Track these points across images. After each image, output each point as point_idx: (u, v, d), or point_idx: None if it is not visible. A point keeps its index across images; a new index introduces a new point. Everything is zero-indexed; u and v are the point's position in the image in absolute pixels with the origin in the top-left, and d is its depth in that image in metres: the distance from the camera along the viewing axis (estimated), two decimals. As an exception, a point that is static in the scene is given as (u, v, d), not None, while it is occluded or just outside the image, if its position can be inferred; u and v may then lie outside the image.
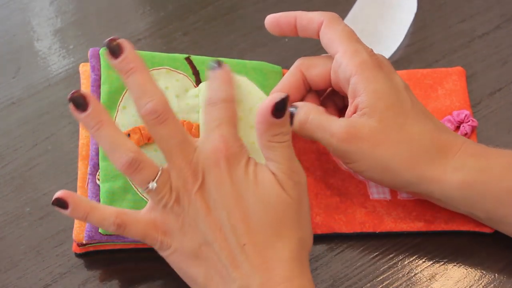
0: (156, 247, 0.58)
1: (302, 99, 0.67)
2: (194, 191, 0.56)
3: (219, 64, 0.58)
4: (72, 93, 0.56)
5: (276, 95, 0.54)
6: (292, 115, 0.63)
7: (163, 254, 0.58)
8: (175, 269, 0.58)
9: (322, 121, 0.62)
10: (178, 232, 0.57)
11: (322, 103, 0.67)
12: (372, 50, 0.63)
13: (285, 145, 0.56)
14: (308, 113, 0.63)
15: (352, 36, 0.64)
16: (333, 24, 0.64)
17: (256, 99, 0.64)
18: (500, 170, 0.60)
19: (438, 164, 0.60)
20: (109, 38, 0.57)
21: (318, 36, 0.65)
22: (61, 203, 0.57)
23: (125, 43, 0.57)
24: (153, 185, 0.56)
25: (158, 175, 0.56)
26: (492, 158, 0.61)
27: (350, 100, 0.63)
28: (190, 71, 0.67)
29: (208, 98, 0.57)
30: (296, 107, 0.63)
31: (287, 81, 0.66)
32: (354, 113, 0.62)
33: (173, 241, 0.57)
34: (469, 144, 0.62)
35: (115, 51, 0.56)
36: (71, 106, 0.56)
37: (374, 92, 0.61)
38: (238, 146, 0.56)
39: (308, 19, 0.65)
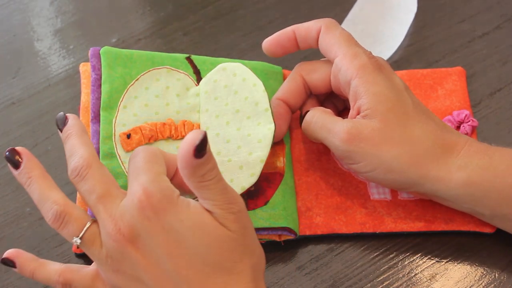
0: None
1: (303, 104, 0.67)
2: (123, 244, 0.53)
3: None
4: (7, 151, 0.57)
5: (194, 136, 0.51)
6: (301, 121, 0.65)
7: None
8: None
9: (326, 121, 0.63)
10: (123, 286, 0.55)
11: (323, 107, 0.68)
12: (371, 53, 0.64)
13: (215, 180, 0.53)
14: (313, 114, 0.64)
15: (351, 40, 0.64)
16: (330, 29, 0.64)
17: (251, 87, 0.64)
18: (504, 167, 0.60)
19: (442, 163, 0.61)
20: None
21: (317, 44, 0.65)
22: (8, 263, 0.58)
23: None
24: (76, 240, 0.55)
25: (85, 229, 0.55)
26: (496, 155, 0.61)
27: (351, 103, 0.63)
28: (191, 70, 0.67)
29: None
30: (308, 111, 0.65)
31: (287, 87, 0.66)
32: (357, 115, 0.62)
33: None
34: (472, 142, 0.62)
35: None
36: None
37: (375, 94, 0.61)
38: (161, 193, 0.53)
39: (306, 29, 0.65)
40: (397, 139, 0.61)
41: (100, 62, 0.66)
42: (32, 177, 0.56)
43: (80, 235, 0.55)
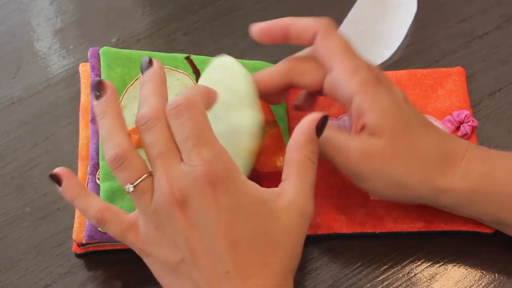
0: (137, 253, 0.56)
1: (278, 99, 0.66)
2: (173, 207, 0.53)
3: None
4: (94, 79, 0.57)
5: (320, 114, 0.56)
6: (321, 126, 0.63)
7: (145, 261, 0.56)
8: (157, 279, 0.56)
9: (332, 138, 0.61)
10: (157, 244, 0.55)
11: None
12: (369, 64, 0.62)
13: (315, 167, 0.56)
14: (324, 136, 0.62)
15: (349, 49, 0.62)
16: (328, 35, 0.62)
17: (240, 79, 0.63)
18: (505, 175, 0.60)
19: (448, 173, 0.60)
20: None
21: (311, 45, 0.63)
22: (56, 179, 0.58)
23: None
24: (129, 187, 0.55)
25: (140, 179, 0.54)
26: (497, 163, 0.61)
27: (353, 119, 0.62)
28: (191, 70, 0.67)
29: (169, 106, 0.55)
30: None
31: (271, 80, 0.64)
32: (362, 130, 0.61)
33: (152, 251, 0.55)
34: (472, 149, 0.62)
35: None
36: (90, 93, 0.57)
37: (380, 111, 0.60)
38: (225, 172, 0.53)
39: (302, 28, 0.63)
40: (406, 155, 0.60)
41: (100, 62, 0.66)
42: (107, 112, 0.56)
43: (135, 183, 0.54)
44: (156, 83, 0.57)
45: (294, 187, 0.56)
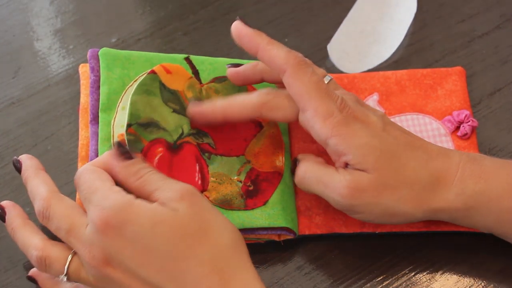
0: None
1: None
2: (102, 268, 0.55)
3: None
4: None
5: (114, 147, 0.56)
6: (293, 172, 0.63)
7: None
8: None
9: (321, 176, 0.61)
10: None
11: None
12: (342, 100, 0.60)
13: (152, 172, 0.56)
14: (306, 167, 0.62)
15: (321, 89, 0.60)
16: (298, 74, 0.60)
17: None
18: (499, 191, 0.60)
19: (441, 194, 0.60)
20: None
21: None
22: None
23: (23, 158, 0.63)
24: (63, 278, 0.57)
25: (67, 266, 0.57)
26: (490, 178, 0.60)
27: (334, 158, 0.61)
28: (190, 70, 0.67)
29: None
30: (296, 163, 0.63)
31: (239, 111, 0.63)
32: (346, 166, 0.61)
33: None
34: (464, 165, 0.61)
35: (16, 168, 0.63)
36: None
37: (358, 148, 0.59)
38: (115, 209, 0.54)
39: (270, 58, 0.61)
40: (395, 184, 0.59)
41: (99, 63, 0.66)
42: (14, 228, 0.60)
43: (65, 272, 0.57)
44: (32, 175, 0.61)
45: (156, 196, 0.56)
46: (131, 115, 0.63)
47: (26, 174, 0.61)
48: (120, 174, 0.56)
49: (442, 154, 0.62)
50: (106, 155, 0.57)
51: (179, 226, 0.54)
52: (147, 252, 0.54)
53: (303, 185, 0.63)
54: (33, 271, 0.61)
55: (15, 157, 0.63)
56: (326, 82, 0.63)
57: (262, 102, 0.62)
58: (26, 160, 0.62)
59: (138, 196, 0.55)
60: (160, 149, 0.63)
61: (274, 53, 0.61)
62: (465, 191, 0.60)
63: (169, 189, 0.55)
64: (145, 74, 0.65)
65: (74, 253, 0.57)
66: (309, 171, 0.62)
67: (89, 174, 0.57)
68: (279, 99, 0.62)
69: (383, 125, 0.61)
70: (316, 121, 0.60)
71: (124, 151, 0.56)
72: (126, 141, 0.62)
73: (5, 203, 0.62)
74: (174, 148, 0.63)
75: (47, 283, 0.61)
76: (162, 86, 0.65)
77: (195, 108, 0.64)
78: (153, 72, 0.65)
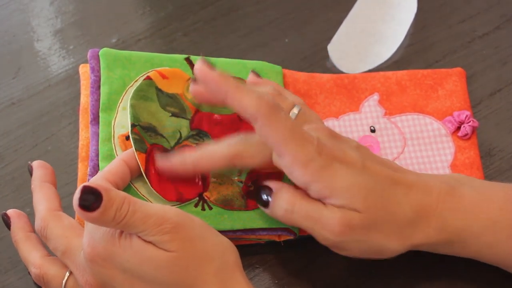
0: None
1: None
2: None
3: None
4: (1, 214, 0.63)
5: (75, 197, 0.53)
6: (267, 203, 0.60)
7: None
8: None
9: (309, 211, 0.58)
10: None
11: None
12: (319, 141, 0.58)
13: (130, 215, 0.53)
14: (292, 201, 0.59)
15: (296, 133, 0.57)
16: (271, 122, 0.56)
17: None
18: (479, 228, 0.60)
19: (422, 229, 0.60)
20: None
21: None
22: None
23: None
24: None
25: (64, 282, 0.59)
26: (469, 216, 0.60)
27: (318, 198, 0.59)
28: (190, 71, 0.67)
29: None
30: (270, 193, 0.60)
31: (210, 164, 0.61)
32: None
33: None
34: (444, 198, 0.60)
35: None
36: None
37: (344, 190, 0.58)
38: (103, 241, 0.55)
39: (239, 105, 0.56)
40: (382, 221, 0.59)
41: (99, 63, 0.66)
42: (17, 241, 0.62)
43: None
44: (37, 187, 0.62)
45: (144, 236, 0.55)
46: (133, 116, 0.63)
47: (32, 185, 0.63)
48: (94, 223, 0.54)
49: (421, 185, 0.60)
50: (75, 207, 0.54)
51: (173, 264, 0.54)
52: (139, 280, 0.55)
53: (289, 219, 0.59)
54: (11, 212, 0.63)
55: (3, 212, 0.63)
56: (296, 113, 0.62)
57: (234, 154, 0.60)
58: (35, 170, 0.63)
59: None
60: (154, 153, 0.62)
61: (244, 102, 0.56)
62: (445, 227, 0.60)
63: (155, 232, 0.54)
64: (141, 80, 0.65)
65: (71, 272, 0.59)
66: (298, 205, 0.59)
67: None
68: (250, 149, 0.60)
69: (362, 160, 0.59)
70: (296, 168, 0.57)
71: (86, 203, 0.53)
72: (132, 140, 0.61)
73: (10, 212, 0.63)
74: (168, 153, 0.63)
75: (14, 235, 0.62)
76: (159, 91, 0.65)
77: (164, 163, 0.61)
78: (148, 78, 0.65)
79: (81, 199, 0.53)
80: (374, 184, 0.58)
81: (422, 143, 0.69)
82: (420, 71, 0.72)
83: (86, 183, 0.53)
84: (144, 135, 0.62)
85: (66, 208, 0.66)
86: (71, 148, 0.69)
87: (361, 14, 0.78)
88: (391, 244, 0.59)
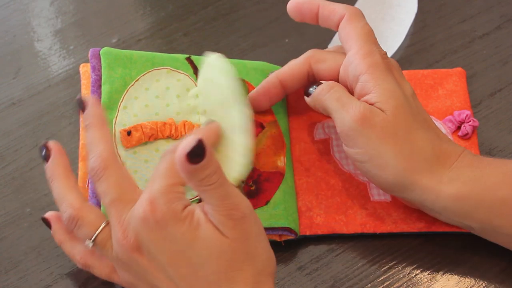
0: None
1: (297, 89, 0.67)
2: (129, 251, 0.56)
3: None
4: (42, 144, 0.61)
5: (189, 142, 0.52)
6: (309, 93, 0.64)
7: None
8: None
9: (344, 95, 0.62)
10: (135, 284, 0.58)
11: None
12: (386, 53, 0.63)
13: (215, 186, 0.53)
14: (332, 85, 0.63)
15: (370, 36, 0.63)
16: (353, 20, 0.64)
17: (229, 76, 0.62)
18: (494, 179, 0.60)
19: (435, 173, 0.60)
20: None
21: (337, 28, 0.65)
22: (46, 223, 0.62)
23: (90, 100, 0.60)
24: (88, 243, 0.58)
25: (97, 232, 0.57)
26: (487, 169, 0.61)
27: (358, 95, 0.62)
28: (191, 70, 0.67)
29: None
30: (317, 84, 0.64)
31: (291, 70, 0.66)
32: None
33: None
34: (466, 155, 0.61)
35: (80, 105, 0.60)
36: None
37: (385, 90, 0.61)
38: (166, 206, 0.54)
39: (330, 10, 0.64)
40: (401, 138, 0.60)
41: (100, 63, 0.66)
42: (55, 175, 0.60)
43: (93, 238, 0.57)
44: (97, 125, 0.59)
45: (210, 210, 0.55)
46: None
47: (86, 121, 0.60)
48: (182, 172, 0.53)
49: (450, 141, 0.62)
50: (178, 151, 0.52)
51: (225, 251, 0.54)
52: (181, 254, 0.54)
53: (322, 99, 0.63)
54: (50, 215, 0.62)
55: (78, 97, 0.60)
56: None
57: (309, 55, 0.65)
58: (91, 106, 0.60)
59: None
60: None
61: (334, 5, 0.64)
62: (460, 178, 0.60)
63: (225, 213, 0.54)
64: (142, 79, 0.65)
65: (107, 224, 0.58)
66: (337, 87, 0.63)
67: (171, 159, 0.56)
68: (324, 53, 0.65)
69: (412, 95, 0.63)
70: (356, 57, 0.62)
71: (194, 154, 0.52)
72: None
73: (52, 145, 0.61)
74: None
75: (60, 235, 0.61)
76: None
77: (257, 88, 0.67)
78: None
79: (194, 147, 0.51)
80: (412, 109, 0.61)
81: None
82: (420, 71, 0.72)
83: (201, 138, 0.52)
84: None
85: (67, 208, 0.66)
86: (71, 148, 0.69)
87: (361, 14, 0.78)
88: (398, 166, 0.60)
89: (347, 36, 0.63)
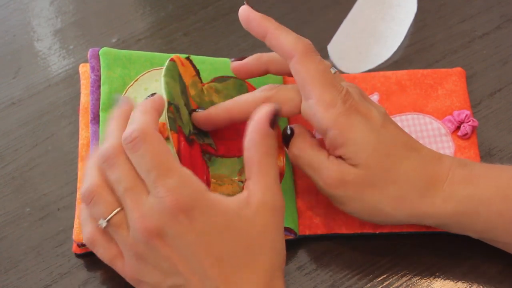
0: (127, 281, 0.58)
1: None
2: (150, 239, 0.54)
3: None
4: None
5: (270, 106, 0.54)
6: (288, 137, 0.63)
7: None
8: None
9: (312, 160, 0.61)
10: (144, 273, 0.56)
11: None
12: (347, 91, 0.60)
13: (275, 160, 0.56)
14: (301, 147, 0.62)
15: (326, 78, 0.60)
16: (305, 61, 0.60)
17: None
18: (488, 195, 0.59)
19: (427, 197, 0.60)
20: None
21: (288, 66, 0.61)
22: None
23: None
24: (102, 222, 0.56)
25: (112, 214, 0.56)
26: (480, 182, 0.60)
27: (330, 148, 0.61)
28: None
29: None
30: (290, 137, 0.62)
31: (244, 111, 0.61)
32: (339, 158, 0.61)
33: (141, 279, 0.56)
34: (455, 170, 0.61)
35: None
36: None
37: (354, 144, 0.59)
38: (191, 197, 0.53)
39: (278, 45, 0.60)
40: (381, 182, 0.60)
41: (99, 63, 0.66)
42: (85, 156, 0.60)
43: (108, 218, 0.56)
44: (119, 118, 0.58)
45: (259, 186, 0.56)
46: (169, 94, 0.60)
47: (113, 115, 0.59)
48: (256, 134, 0.55)
49: (435, 158, 0.61)
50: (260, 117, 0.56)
51: (250, 237, 0.54)
52: (207, 246, 0.54)
53: (296, 163, 0.63)
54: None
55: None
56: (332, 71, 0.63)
57: (265, 98, 0.61)
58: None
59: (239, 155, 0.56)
60: (181, 137, 0.61)
61: (283, 39, 0.60)
62: (454, 196, 0.60)
63: (261, 192, 0.55)
64: (141, 78, 0.65)
65: (122, 209, 0.56)
66: (303, 152, 0.61)
67: (156, 143, 0.55)
68: (282, 93, 0.61)
69: (383, 121, 0.61)
70: (318, 109, 0.59)
71: (274, 120, 0.56)
72: (167, 120, 0.59)
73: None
74: (188, 141, 0.61)
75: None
76: (179, 76, 0.64)
77: (200, 114, 0.63)
78: (172, 60, 0.63)
79: (274, 114, 0.56)
80: (385, 144, 0.60)
81: (422, 142, 0.69)
82: (420, 71, 0.72)
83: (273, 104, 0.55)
84: (176, 115, 0.60)
85: (66, 208, 0.66)
86: (71, 147, 0.69)
87: (361, 14, 0.78)
88: (387, 208, 0.60)
89: (302, 81, 0.60)
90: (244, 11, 0.61)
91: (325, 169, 0.60)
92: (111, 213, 0.56)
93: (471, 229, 0.61)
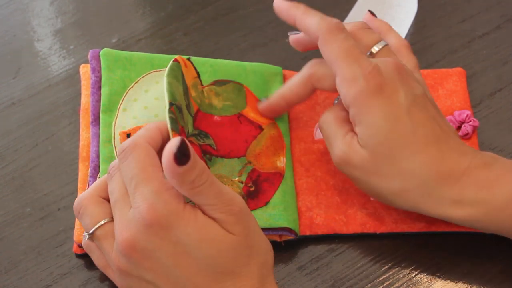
0: None
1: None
2: (129, 252, 0.54)
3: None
4: None
5: (171, 144, 0.50)
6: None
7: None
8: None
9: (330, 134, 0.62)
10: (130, 284, 0.56)
11: None
12: (374, 68, 0.59)
13: (207, 184, 0.52)
14: (324, 120, 0.63)
15: (350, 55, 0.60)
16: (328, 41, 0.61)
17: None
18: (502, 200, 0.58)
19: (433, 197, 0.59)
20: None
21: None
22: None
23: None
24: (85, 235, 0.58)
25: (95, 227, 0.57)
26: (495, 187, 0.58)
27: (352, 122, 0.61)
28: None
29: (118, 151, 0.56)
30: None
31: (295, 90, 0.65)
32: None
33: None
34: (473, 170, 0.59)
35: None
36: None
37: (367, 127, 0.59)
38: (167, 208, 0.53)
39: (305, 28, 0.63)
40: (384, 172, 0.60)
41: (100, 64, 0.66)
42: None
43: (91, 231, 0.57)
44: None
45: (210, 210, 0.54)
46: (171, 94, 0.59)
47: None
48: (173, 179, 0.52)
49: (455, 154, 0.59)
50: (165, 156, 0.51)
51: (233, 248, 0.53)
52: (187, 257, 0.53)
53: (322, 134, 0.64)
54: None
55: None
56: (376, 50, 0.63)
57: (309, 74, 0.64)
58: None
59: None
60: (183, 137, 0.60)
61: (308, 22, 0.62)
62: (465, 199, 0.59)
63: (224, 210, 0.53)
64: (141, 80, 0.65)
65: (111, 220, 0.56)
66: (325, 124, 0.63)
67: (143, 153, 0.54)
68: (322, 69, 0.63)
69: (409, 106, 0.59)
70: (343, 86, 0.60)
71: (180, 154, 0.50)
72: (168, 120, 0.58)
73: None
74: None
75: (77, 209, 0.60)
76: (182, 77, 0.64)
77: (263, 105, 0.67)
78: (176, 60, 0.63)
79: (179, 148, 0.50)
80: (400, 134, 0.59)
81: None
82: (420, 71, 0.72)
83: (181, 137, 0.51)
84: (178, 116, 0.60)
85: (66, 208, 0.66)
86: (71, 148, 0.69)
87: (361, 14, 0.78)
88: (392, 196, 0.60)
89: (328, 60, 0.61)
90: (276, 2, 0.64)
91: (335, 146, 0.61)
92: (94, 227, 0.57)
93: (484, 229, 0.61)
